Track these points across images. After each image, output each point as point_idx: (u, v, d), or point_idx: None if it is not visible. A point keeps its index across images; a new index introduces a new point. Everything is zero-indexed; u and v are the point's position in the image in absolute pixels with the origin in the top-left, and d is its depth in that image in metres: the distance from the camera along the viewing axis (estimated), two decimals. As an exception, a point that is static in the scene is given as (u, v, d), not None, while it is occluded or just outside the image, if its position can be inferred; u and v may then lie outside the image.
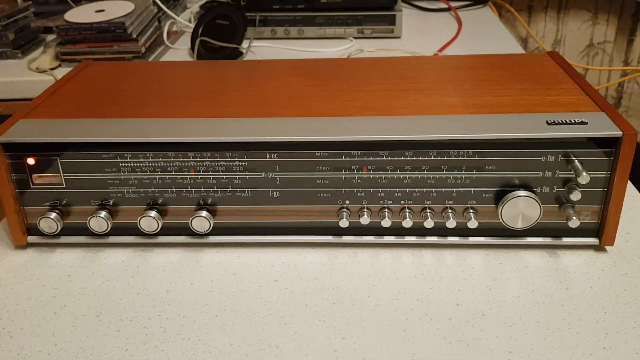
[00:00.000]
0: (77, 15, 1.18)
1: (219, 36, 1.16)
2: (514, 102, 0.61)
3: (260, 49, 1.22)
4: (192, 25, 1.33)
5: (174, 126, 0.58)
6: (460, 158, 0.56)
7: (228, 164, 0.58)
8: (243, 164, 0.57)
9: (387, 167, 0.57)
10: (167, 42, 1.28)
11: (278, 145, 0.56)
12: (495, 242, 0.60)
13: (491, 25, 1.35)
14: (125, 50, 1.15)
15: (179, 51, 1.25)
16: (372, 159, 0.57)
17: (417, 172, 0.57)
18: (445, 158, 0.56)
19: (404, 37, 1.27)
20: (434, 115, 0.58)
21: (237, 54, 1.16)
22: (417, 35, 1.28)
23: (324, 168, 0.57)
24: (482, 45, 1.20)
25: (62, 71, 1.15)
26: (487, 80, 0.67)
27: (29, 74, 1.16)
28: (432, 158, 0.56)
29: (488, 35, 1.27)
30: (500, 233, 0.60)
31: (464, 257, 0.59)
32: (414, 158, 0.56)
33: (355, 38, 1.26)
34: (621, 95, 1.76)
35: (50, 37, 1.33)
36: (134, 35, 1.15)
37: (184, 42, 1.31)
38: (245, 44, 1.19)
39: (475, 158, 0.56)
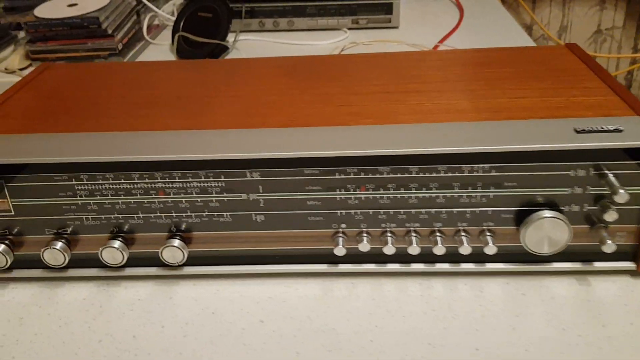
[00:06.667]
0: (47, 10, 1.09)
1: (201, 30, 1.07)
2: (534, 105, 0.52)
3: (247, 43, 1.13)
4: (174, 18, 1.24)
5: (138, 141, 0.49)
6: (475, 174, 0.48)
7: (202, 184, 0.49)
8: (220, 184, 0.49)
9: (389, 186, 0.48)
10: (147, 37, 1.19)
11: (260, 162, 0.48)
12: (516, 269, 0.52)
13: (494, 12, 1.26)
14: (100, 47, 1.06)
15: (160, 47, 1.16)
16: (371, 176, 0.48)
17: (424, 191, 0.49)
18: (457, 174, 0.48)
19: (402, 27, 1.18)
20: (442, 123, 0.50)
21: (221, 48, 1.08)
22: (416, 25, 1.19)
23: (315, 188, 0.49)
24: (486, 35, 1.11)
25: (33, 71, 1.06)
26: (499, 78, 0.58)
27: (-2, 75, 1.07)
28: (442, 174, 0.48)
29: (492, 24, 1.18)
30: (521, 258, 0.51)
31: (481, 287, 0.51)
32: (420, 174, 0.48)
33: (349, 29, 1.17)
34: (630, 84, 1.67)
35: (22, 35, 1.24)
36: (110, 31, 1.06)
37: (166, 36, 1.22)
38: (231, 38, 1.10)
39: (493, 173, 0.48)
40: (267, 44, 1.12)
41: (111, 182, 0.49)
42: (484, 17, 1.22)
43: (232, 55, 1.09)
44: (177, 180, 0.49)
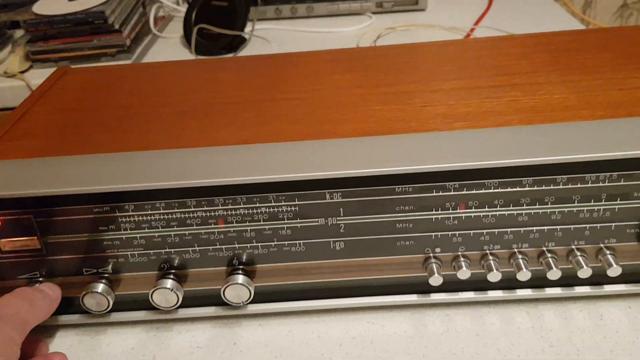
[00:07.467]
0: (47, 6, 0.99)
1: (217, 21, 0.98)
2: (652, 96, 0.45)
3: (264, 32, 1.04)
4: (181, 8, 1.15)
5: (191, 160, 0.41)
6: (600, 184, 0.40)
7: (272, 210, 0.41)
8: (292, 208, 0.41)
9: (496, 202, 0.41)
10: (154, 30, 1.10)
11: (344, 181, 0.40)
12: (636, 291, 0.44)
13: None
14: (107, 45, 0.97)
15: (170, 40, 1.07)
16: (475, 191, 0.40)
17: (537, 206, 0.41)
18: (578, 185, 0.40)
19: (430, 9, 1.10)
20: (553, 124, 0.42)
21: (239, 40, 0.99)
22: (445, 6, 1.10)
23: (407, 208, 0.41)
24: (522, 13, 1.03)
25: (35, 74, 0.97)
26: (598, 66, 0.50)
27: (-4, 79, 0.98)
28: (560, 186, 0.40)
29: (524, 1, 1.10)
30: (643, 277, 0.44)
31: (599, 313, 0.43)
32: (534, 187, 0.40)
33: (373, 13, 1.09)
34: (658, 59, 1.59)
35: (19, 34, 1.14)
36: (117, 26, 0.97)
37: (174, 28, 1.12)
38: (247, 28, 1.01)
39: (621, 183, 0.40)
40: (286, 33, 1.04)
41: (162, 211, 0.41)
42: (516, -5, 1.13)
43: (250, 46, 1.00)
44: (242, 206, 0.41)
